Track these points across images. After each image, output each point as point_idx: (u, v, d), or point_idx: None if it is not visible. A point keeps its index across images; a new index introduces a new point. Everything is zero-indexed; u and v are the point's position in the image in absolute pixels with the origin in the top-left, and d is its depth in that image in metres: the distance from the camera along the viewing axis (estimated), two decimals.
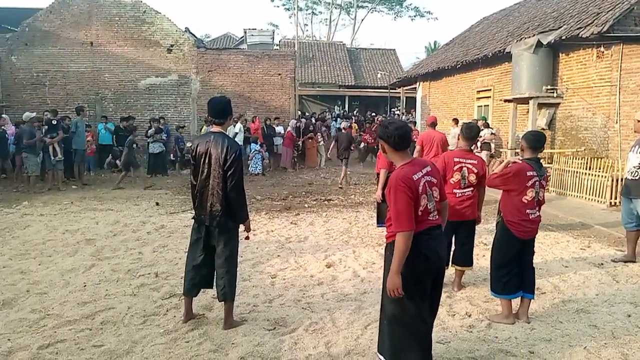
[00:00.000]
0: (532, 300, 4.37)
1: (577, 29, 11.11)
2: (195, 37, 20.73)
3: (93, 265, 5.75)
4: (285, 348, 3.74)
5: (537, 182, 4.17)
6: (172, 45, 17.72)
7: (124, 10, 17.44)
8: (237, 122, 14.75)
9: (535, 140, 4.26)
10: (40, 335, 3.92)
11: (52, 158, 11.26)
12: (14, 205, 9.44)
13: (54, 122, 11.57)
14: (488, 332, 4.03)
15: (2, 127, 12.31)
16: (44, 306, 4.51)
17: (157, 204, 9.79)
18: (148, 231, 7.50)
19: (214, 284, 4.15)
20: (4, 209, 9.15)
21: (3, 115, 13.54)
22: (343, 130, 13.50)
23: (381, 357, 3.16)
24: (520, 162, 4.26)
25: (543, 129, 12.49)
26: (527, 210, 4.17)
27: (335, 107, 29.76)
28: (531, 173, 4.15)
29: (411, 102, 24.82)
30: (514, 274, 4.23)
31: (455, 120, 14.59)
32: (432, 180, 3.12)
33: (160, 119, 15.77)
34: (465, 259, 5.00)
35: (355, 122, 20.96)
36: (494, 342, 3.86)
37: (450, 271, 4.93)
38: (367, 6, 47.58)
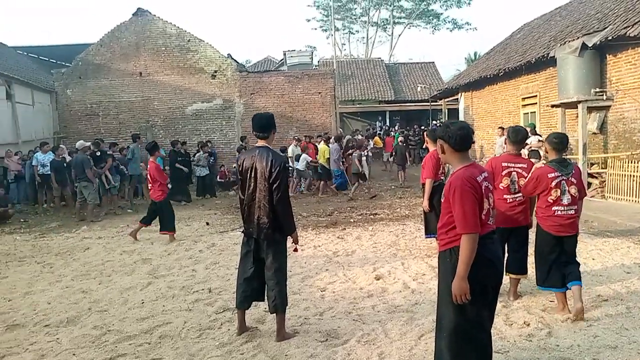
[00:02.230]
0: (582, 289, 4.40)
1: (624, 28, 10.73)
2: (237, 62, 21.35)
3: (150, 283, 5.96)
4: (339, 359, 3.73)
5: (562, 181, 4.35)
6: (215, 71, 18.34)
7: (170, 40, 18.24)
8: (329, 141, 14.95)
9: (557, 142, 4.50)
10: (103, 349, 4.08)
11: (106, 185, 11.80)
12: (74, 230, 9.92)
13: (98, 153, 12.10)
14: (548, 341, 3.89)
15: (62, 157, 13.01)
16: (104, 323, 4.70)
17: (207, 223, 10.04)
18: (200, 249, 7.70)
19: (265, 296, 4.21)
20: (64, 233, 9.63)
21: (61, 146, 14.34)
22: (400, 143, 16.85)
23: None
24: (543, 165, 4.53)
25: (594, 133, 12.06)
26: (553, 208, 4.38)
27: (377, 122, 29.74)
28: (553, 174, 4.36)
29: (453, 114, 24.48)
30: (555, 268, 4.40)
31: (501, 129, 14.26)
32: (489, 186, 3.08)
33: (207, 142, 16.23)
34: (519, 266, 4.85)
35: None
36: (555, 350, 3.71)
37: (505, 280, 4.80)
38: (403, 22, 47.68)
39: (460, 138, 3.02)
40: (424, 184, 6.82)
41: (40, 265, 7.13)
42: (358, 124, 29.53)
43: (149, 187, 8.74)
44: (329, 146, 14.35)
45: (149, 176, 8.54)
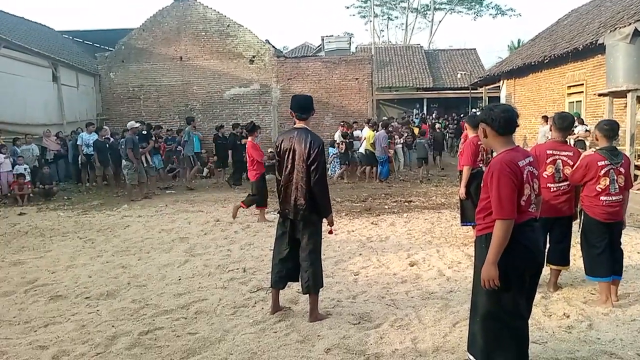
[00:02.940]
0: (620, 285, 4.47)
1: None
2: (275, 47, 21.38)
3: (187, 261, 6.09)
4: (371, 342, 3.71)
5: (611, 170, 4.28)
6: (254, 56, 18.41)
7: (210, 25, 18.39)
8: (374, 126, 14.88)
9: (608, 129, 4.38)
10: (141, 322, 4.20)
11: (145, 165, 12.09)
12: (115, 209, 10.22)
13: (144, 132, 12.41)
14: (589, 333, 3.76)
15: (105, 137, 13.40)
16: (143, 297, 4.83)
17: None
18: (235, 230, 7.82)
19: (299, 277, 4.23)
20: (106, 211, 9.94)
21: (104, 127, 14.77)
22: (438, 131, 17.74)
23: (472, 357, 3.04)
24: (593, 153, 4.39)
25: None
26: (602, 198, 4.31)
27: (414, 110, 29.30)
28: (603, 162, 4.28)
29: (494, 102, 23.87)
30: (605, 257, 4.31)
31: (545, 118, 13.81)
32: (534, 171, 2.98)
33: (258, 127, 15.99)
34: (561, 257, 4.70)
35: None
36: (596, 343, 3.59)
37: (545, 271, 4.66)
38: (444, 8, 46.55)
39: (505, 121, 2.92)
40: (461, 171, 6.67)
41: (82, 241, 7.38)
42: (394, 111, 29.19)
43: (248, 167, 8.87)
44: (374, 132, 14.23)
45: (247, 155, 8.71)
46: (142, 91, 18.57)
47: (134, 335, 3.91)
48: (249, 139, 8.77)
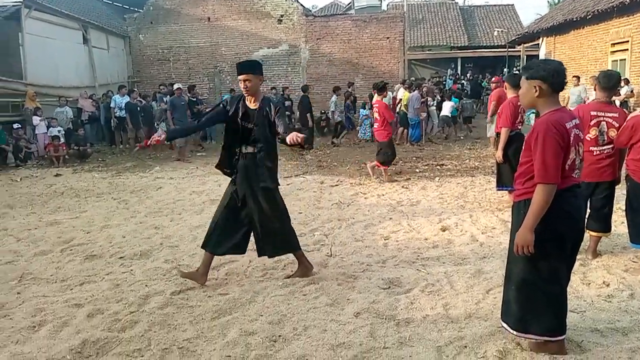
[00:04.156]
0: None
1: None
2: (304, 6, 20.87)
3: None
4: (401, 307, 3.66)
5: None
6: (282, 16, 18.03)
7: None
8: (411, 87, 14.58)
9: None
10: (173, 282, 4.25)
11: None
12: (148, 170, 10.37)
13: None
14: (630, 303, 3.61)
15: (136, 100, 13.49)
16: (175, 257, 4.90)
17: None
18: None
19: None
20: (139, 173, 10.11)
21: (134, 90, 14.86)
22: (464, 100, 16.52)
23: (505, 325, 2.96)
24: (639, 113, 4.16)
25: None
26: None
27: (448, 70, 28.44)
28: None
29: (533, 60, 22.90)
30: None
31: (577, 78, 13.18)
32: (580, 134, 2.79)
33: (338, 88, 15.21)
34: (602, 223, 4.51)
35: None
36: (638, 313, 3.43)
37: (584, 238, 4.48)
38: None
39: (560, 76, 2.72)
40: (498, 133, 6.42)
41: (117, 202, 7.53)
42: (427, 72, 28.43)
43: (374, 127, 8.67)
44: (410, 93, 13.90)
45: (377, 115, 8.47)
46: (172, 53, 18.53)
47: (166, 295, 3.96)
48: (379, 98, 8.44)
